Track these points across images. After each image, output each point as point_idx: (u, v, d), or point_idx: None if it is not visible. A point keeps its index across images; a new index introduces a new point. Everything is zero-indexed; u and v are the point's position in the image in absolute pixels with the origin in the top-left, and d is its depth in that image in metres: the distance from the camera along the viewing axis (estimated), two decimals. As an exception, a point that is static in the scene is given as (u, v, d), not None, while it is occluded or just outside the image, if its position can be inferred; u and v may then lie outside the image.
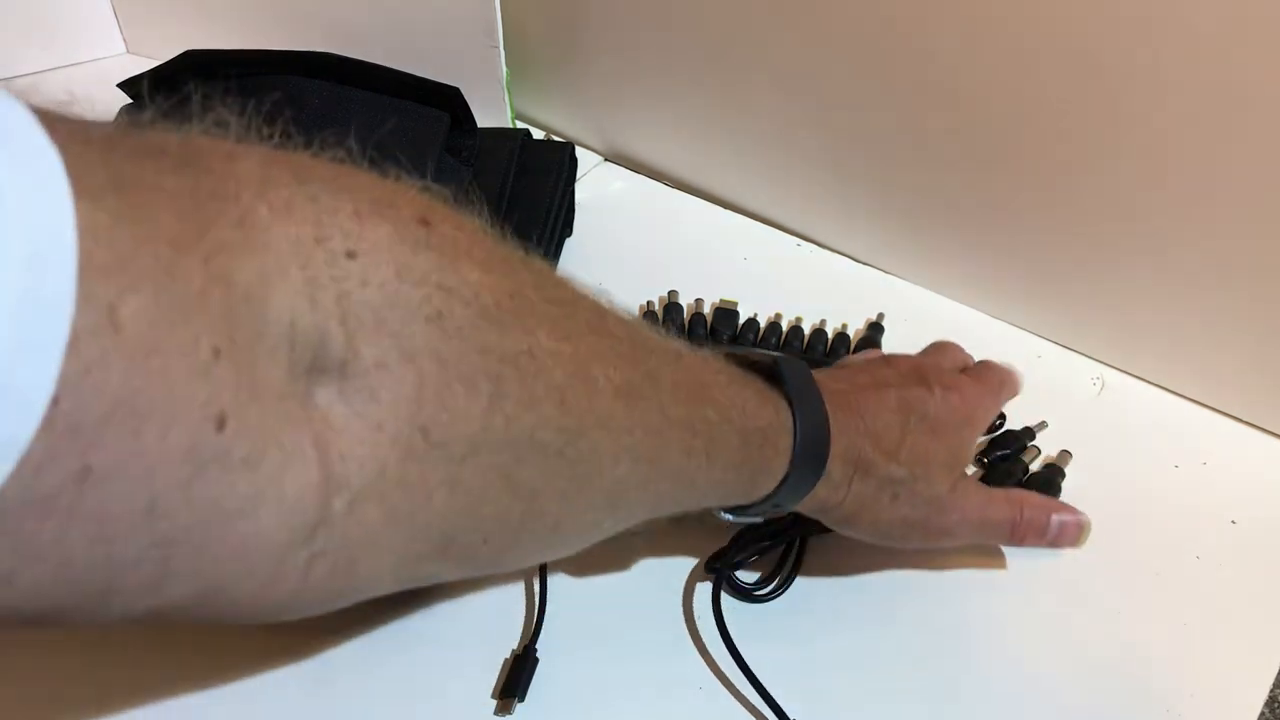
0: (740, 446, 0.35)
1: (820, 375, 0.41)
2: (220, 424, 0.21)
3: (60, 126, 0.19)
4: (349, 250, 0.24)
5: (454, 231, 0.27)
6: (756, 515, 0.39)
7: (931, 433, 0.40)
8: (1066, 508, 0.43)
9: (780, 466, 0.36)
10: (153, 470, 0.20)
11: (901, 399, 0.40)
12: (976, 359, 0.49)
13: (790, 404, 0.37)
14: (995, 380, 0.46)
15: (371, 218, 0.25)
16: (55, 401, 0.17)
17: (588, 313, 0.31)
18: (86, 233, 0.18)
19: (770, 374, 0.38)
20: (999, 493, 0.42)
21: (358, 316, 0.24)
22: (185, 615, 0.24)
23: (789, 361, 0.38)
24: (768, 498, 0.37)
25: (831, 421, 0.37)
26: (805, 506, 0.38)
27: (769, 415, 0.36)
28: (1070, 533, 0.43)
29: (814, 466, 0.37)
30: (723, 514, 0.38)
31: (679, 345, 0.35)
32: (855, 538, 0.41)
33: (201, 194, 0.22)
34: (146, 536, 0.20)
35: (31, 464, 0.17)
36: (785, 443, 0.36)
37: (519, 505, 0.29)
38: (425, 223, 0.26)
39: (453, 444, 0.26)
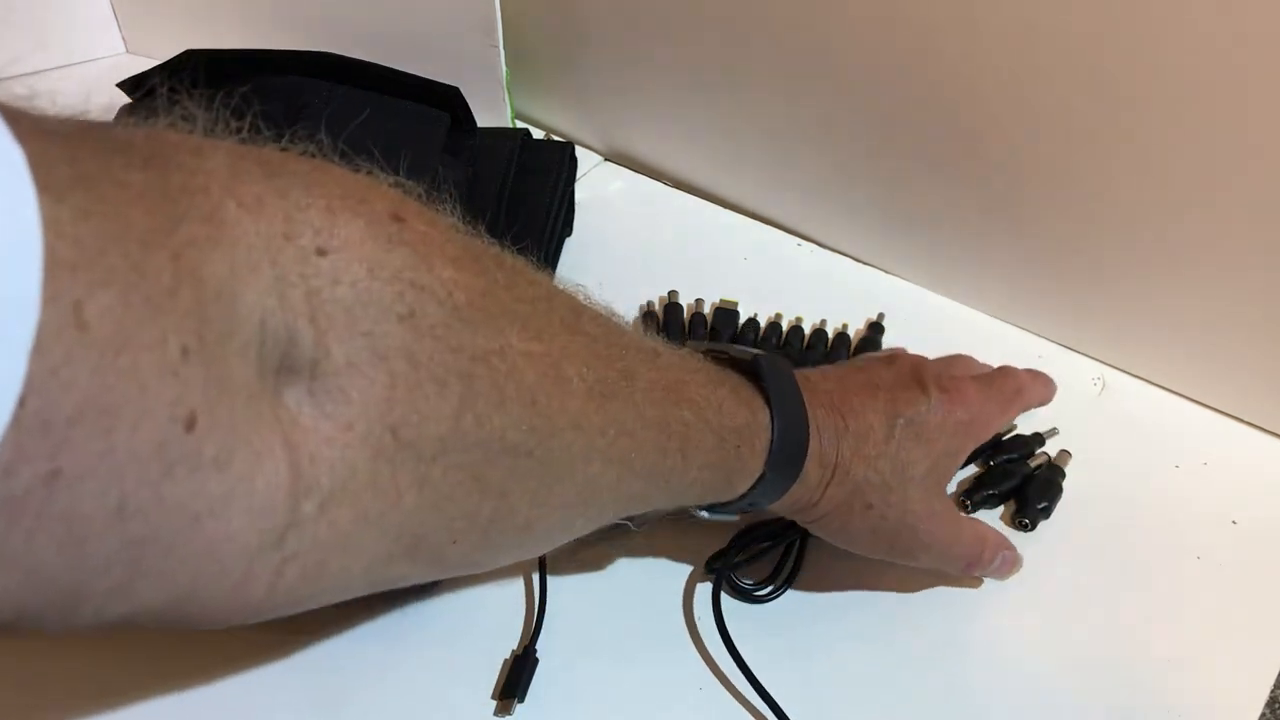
0: (716, 446, 0.34)
1: (812, 374, 0.40)
2: (190, 424, 0.20)
3: (22, 121, 0.18)
4: (319, 247, 0.24)
5: (426, 228, 0.27)
6: (733, 513, 0.38)
7: (917, 438, 0.39)
8: (1011, 546, 0.43)
9: (757, 466, 0.36)
10: (122, 470, 0.19)
11: (891, 401, 0.39)
12: (979, 360, 0.48)
13: (769, 403, 0.36)
14: (1009, 388, 0.45)
15: (343, 214, 0.24)
16: (22, 402, 0.17)
17: (562, 310, 0.31)
18: (50, 229, 0.17)
19: (750, 372, 0.37)
20: (966, 527, 0.42)
21: (328, 315, 0.24)
22: (157, 620, 0.24)
23: (769, 359, 0.38)
24: (743, 496, 0.37)
25: (811, 422, 0.37)
26: (780, 506, 0.38)
27: (746, 415, 0.35)
28: (1006, 569, 0.43)
29: (790, 467, 0.36)
30: (699, 511, 0.38)
31: (656, 343, 0.35)
32: (825, 540, 0.41)
33: (170, 189, 0.21)
34: (117, 538, 0.20)
35: (0, 466, 0.17)
36: (762, 443, 0.36)
37: (488, 505, 0.29)
38: (398, 219, 0.26)
39: (422, 444, 0.26)
